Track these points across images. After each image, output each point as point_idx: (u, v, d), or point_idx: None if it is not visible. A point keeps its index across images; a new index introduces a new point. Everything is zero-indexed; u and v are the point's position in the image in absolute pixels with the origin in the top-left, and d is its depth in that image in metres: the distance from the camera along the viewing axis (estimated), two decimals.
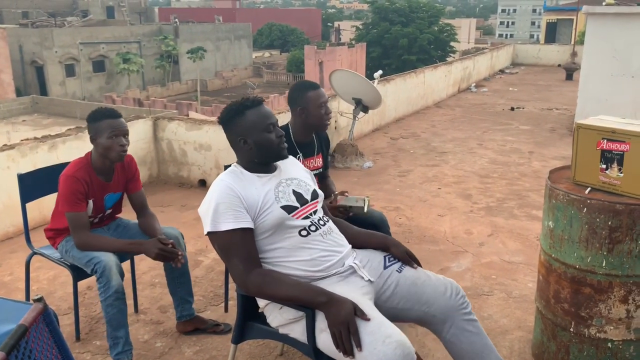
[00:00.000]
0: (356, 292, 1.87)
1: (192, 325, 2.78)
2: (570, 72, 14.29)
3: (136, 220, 2.78)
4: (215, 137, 5.19)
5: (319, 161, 2.89)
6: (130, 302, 2.97)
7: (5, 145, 4.31)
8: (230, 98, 35.26)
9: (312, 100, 2.66)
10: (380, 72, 7.18)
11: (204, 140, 5.28)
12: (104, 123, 2.49)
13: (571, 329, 2.30)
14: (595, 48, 7.07)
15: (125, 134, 2.54)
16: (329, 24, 72.55)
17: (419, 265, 2.12)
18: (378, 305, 1.94)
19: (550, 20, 35.04)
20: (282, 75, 44.79)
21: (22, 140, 4.50)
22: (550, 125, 8.47)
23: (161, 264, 2.71)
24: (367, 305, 1.80)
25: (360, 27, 40.86)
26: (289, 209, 1.94)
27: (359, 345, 1.66)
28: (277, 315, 1.93)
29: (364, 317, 1.71)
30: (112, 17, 51.40)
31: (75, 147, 4.49)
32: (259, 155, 2.00)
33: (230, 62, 47.63)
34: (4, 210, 4.07)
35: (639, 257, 2.11)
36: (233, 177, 1.96)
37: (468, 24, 57.84)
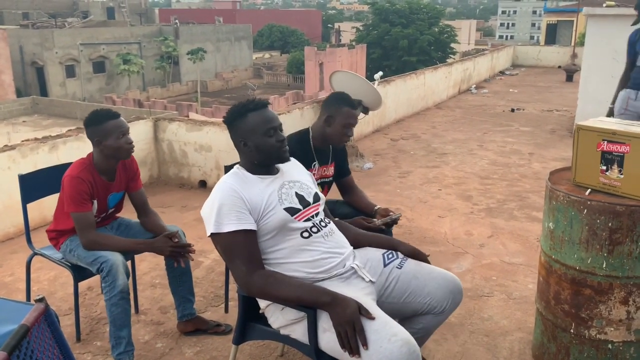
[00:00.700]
0: (359, 293, 1.88)
1: (193, 325, 2.78)
2: (570, 73, 14.29)
3: (137, 220, 2.79)
4: (216, 138, 5.19)
5: (330, 170, 2.87)
6: (131, 302, 2.98)
7: (5, 146, 4.31)
8: (230, 99, 35.38)
9: (342, 115, 2.66)
10: (380, 73, 7.16)
11: (204, 141, 5.29)
12: (109, 125, 2.49)
13: (571, 330, 2.30)
14: (596, 49, 7.09)
15: (129, 131, 2.57)
16: (329, 25, 72.64)
17: (428, 262, 2.14)
18: (380, 302, 1.95)
19: (551, 22, 35.10)
20: (283, 76, 44.83)
21: (22, 141, 4.50)
22: (551, 127, 8.48)
23: (162, 264, 2.71)
24: (370, 304, 1.81)
25: (361, 28, 40.86)
26: (292, 210, 1.95)
27: (365, 344, 1.66)
28: (279, 316, 1.94)
29: (369, 316, 1.72)
30: (113, 18, 51.44)
31: (76, 148, 4.50)
32: (259, 158, 2.00)
33: (230, 63, 47.65)
34: (5, 211, 4.08)
35: (639, 258, 2.11)
36: (236, 179, 1.97)
37: (468, 25, 57.88)
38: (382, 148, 7.10)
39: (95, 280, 2.97)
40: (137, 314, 3.01)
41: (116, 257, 2.44)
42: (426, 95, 10.05)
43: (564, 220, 2.22)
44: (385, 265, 2.07)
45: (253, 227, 1.88)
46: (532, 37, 75.88)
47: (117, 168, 2.63)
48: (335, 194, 2.98)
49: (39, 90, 35.81)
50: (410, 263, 2.10)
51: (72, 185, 2.47)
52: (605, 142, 2.15)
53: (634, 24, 4.31)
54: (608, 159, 2.15)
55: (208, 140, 5.27)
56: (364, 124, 7.39)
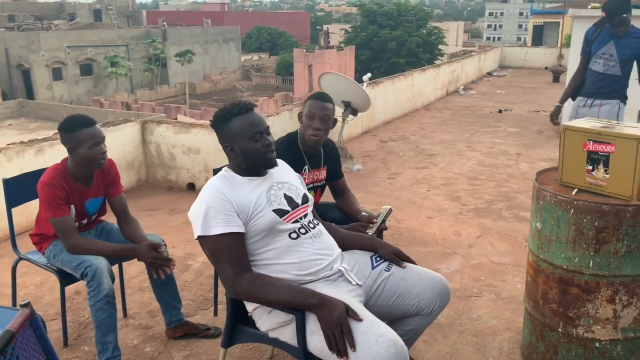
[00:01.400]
0: (346, 295, 1.88)
1: (182, 330, 2.76)
2: (557, 74, 14.42)
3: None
4: (204, 140, 5.17)
5: (323, 173, 2.82)
6: (118, 306, 2.95)
7: None
8: (219, 101, 35.27)
9: (306, 107, 2.64)
10: (369, 75, 7.20)
11: (192, 143, 5.27)
12: (83, 133, 2.43)
13: (559, 329, 2.31)
14: None
15: (104, 140, 2.50)
16: (317, 27, 72.76)
17: (411, 262, 2.13)
18: (369, 305, 1.95)
19: (537, 24, 35.41)
20: (271, 78, 44.80)
21: (8, 144, 4.45)
22: (538, 128, 8.54)
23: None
24: (357, 306, 1.80)
25: (349, 30, 40.94)
26: (280, 212, 1.94)
27: (353, 346, 1.66)
28: (267, 320, 1.93)
29: (357, 317, 1.72)
30: (100, 21, 51.12)
31: (63, 151, 4.38)
32: (245, 163, 1.99)
33: (218, 65, 47.53)
34: None
35: (625, 257, 2.13)
36: (224, 181, 1.95)
37: (456, 27, 58.22)
38: (371, 149, 7.11)
39: (82, 284, 2.92)
40: (126, 318, 2.98)
41: (100, 262, 2.41)
42: (414, 96, 10.09)
43: (551, 220, 2.24)
44: (373, 268, 2.07)
45: (241, 229, 1.87)
46: (519, 39, 76.53)
47: (93, 173, 2.58)
48: (326, 197, 2.96)
49: (25, 93, 35.49)
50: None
51: (45, 192, 2.43)
52: (591, 142, 2.17)
53: (597, 25, 4.16)
54: (594, 159, 2.17)
55: (196, 143, 5.24)
56: (353, 125, 7.40)
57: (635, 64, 3.98)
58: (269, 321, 1.92)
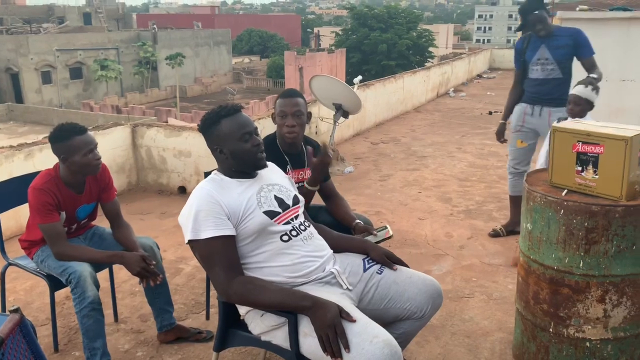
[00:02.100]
0: (338, 296, 1.88)
1: (173, 334, 2.74)
2: None
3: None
4: (195, 143, 5.16)
5: (307, 173, 2.78)
6: (110, 311, 2.94)
7: None
8: (209, 104, 35.16)
9: (276, 107, 2.63)
10: (360, 77, 7.16)
11: (183, 146, 5.25)
12: (76, 141, 2.40)
13: (550, 330, 2.33)
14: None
15: (96, 146, 2.48)
16: (308, 29, 72.81)
17: (403, 264, 2.13)
18: (361, 308, 1.94)
19: None
20: (263, 81, 44.75)
21: None
22: None
23: None
24: (350, 307, 1.80)
25: (340, 33, 41.06)
26: (271, 214, 1.94)
27: (347, 347, 1.66)
28: (259, 323, 1.92)
29: (350, 319, 1.72)
30: (89, 24, 50.85)
31: (53, 156, 4.40)
32: (236, 165, 1.98)
33: (209, 68, 47.42)
34: None
35: (614, 257, 2.15)
36: (213, 184, 1.95)
37: (446, 29, 58.60)
38: (362, 152, 7.13)
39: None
40: (117, 323, 2.97)
41: (84, 268, 2.38)
42: (405, 99, 10.12)
43: (542, 221, 2.25)
44: (365, 270, 2.06)
45: (231, 232, 1.87)
46: (508, 41, 76.97)
47: (86, 179, 2.56)
48: (316, 199, 2.95)
49: (14, 97, 35.21)
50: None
51: (35, 197, 2.40)
52: (580, 143, 2.19)
53: (519, 29, 4.06)
54: (583, 160, 2.19)
55: (187, 146, 5.23)
56: (344, 128, 7.42)
57: (575, 60, 3.79)
58: (262, 324, 1.91)
